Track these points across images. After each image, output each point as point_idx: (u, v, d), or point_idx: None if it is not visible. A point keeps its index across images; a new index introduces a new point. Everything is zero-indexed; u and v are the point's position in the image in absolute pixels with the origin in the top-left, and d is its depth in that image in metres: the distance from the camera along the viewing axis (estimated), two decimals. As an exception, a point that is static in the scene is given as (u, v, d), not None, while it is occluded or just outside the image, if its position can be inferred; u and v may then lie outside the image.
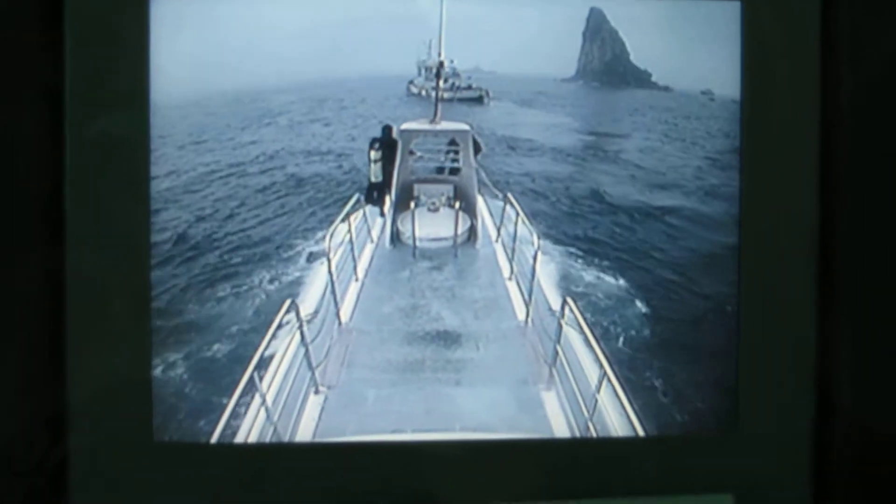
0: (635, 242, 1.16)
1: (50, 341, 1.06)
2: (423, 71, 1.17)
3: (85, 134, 1.05)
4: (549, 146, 1.20)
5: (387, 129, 1.19)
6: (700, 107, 1.14)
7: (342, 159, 1.20)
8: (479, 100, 1.19)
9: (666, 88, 1.15)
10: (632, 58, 1.14)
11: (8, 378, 1.05)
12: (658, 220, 1.16)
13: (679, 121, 1.16)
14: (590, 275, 1.17)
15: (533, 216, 1.19)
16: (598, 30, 1.12)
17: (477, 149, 1.23)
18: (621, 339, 1.15)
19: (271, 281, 1.13)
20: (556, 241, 1.19)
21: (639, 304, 1.15)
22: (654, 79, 1.14)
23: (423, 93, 1.22)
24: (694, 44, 1.11)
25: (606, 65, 1.18)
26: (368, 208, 1.29)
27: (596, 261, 1.17)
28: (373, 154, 1.21)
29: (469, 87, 1.19)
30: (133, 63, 1.05)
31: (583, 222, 1.17)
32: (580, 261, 1.18)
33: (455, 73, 1.17)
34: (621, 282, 1.15)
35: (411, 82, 1.18)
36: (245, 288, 1.12)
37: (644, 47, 1.13)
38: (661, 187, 1.15)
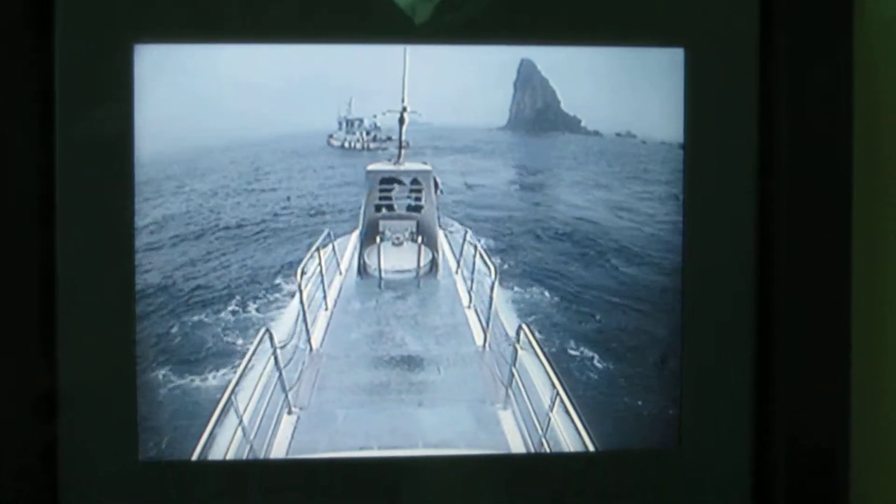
0: (579, 273, 1.24)
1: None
2: (343, 125, 1.23)
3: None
4: (489, 186, 1.28)
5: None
6: (630, 147, 1.21)
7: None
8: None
9: (595, 133, 1.21)
10: (562, 105, 1.20)
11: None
12: (597, 260, 1.23)
13: (609, 163, 1.23)
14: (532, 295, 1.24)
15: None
16: (528, 79, 1.19)
17: (436, 187, 1.29)
18: (572, 362, 1.22)
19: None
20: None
21: (584, 327, 1.22)
22: (583, 124, 1.20)
23: (346, 144, 1.27)
24: (622, 89, 1.18)
25: (538, 112, 1.24)
26: (338, 242, 1.33)
27: (541, 288, 1.24)
28: None
29: (389, 139, 1.25)
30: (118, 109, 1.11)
31: (523, 253, 1.24)
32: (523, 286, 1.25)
33: (376, 127, 1.23)
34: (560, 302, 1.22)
35: (331, 136, 1.24)
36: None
37: (573, 94, 1.19)
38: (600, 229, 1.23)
